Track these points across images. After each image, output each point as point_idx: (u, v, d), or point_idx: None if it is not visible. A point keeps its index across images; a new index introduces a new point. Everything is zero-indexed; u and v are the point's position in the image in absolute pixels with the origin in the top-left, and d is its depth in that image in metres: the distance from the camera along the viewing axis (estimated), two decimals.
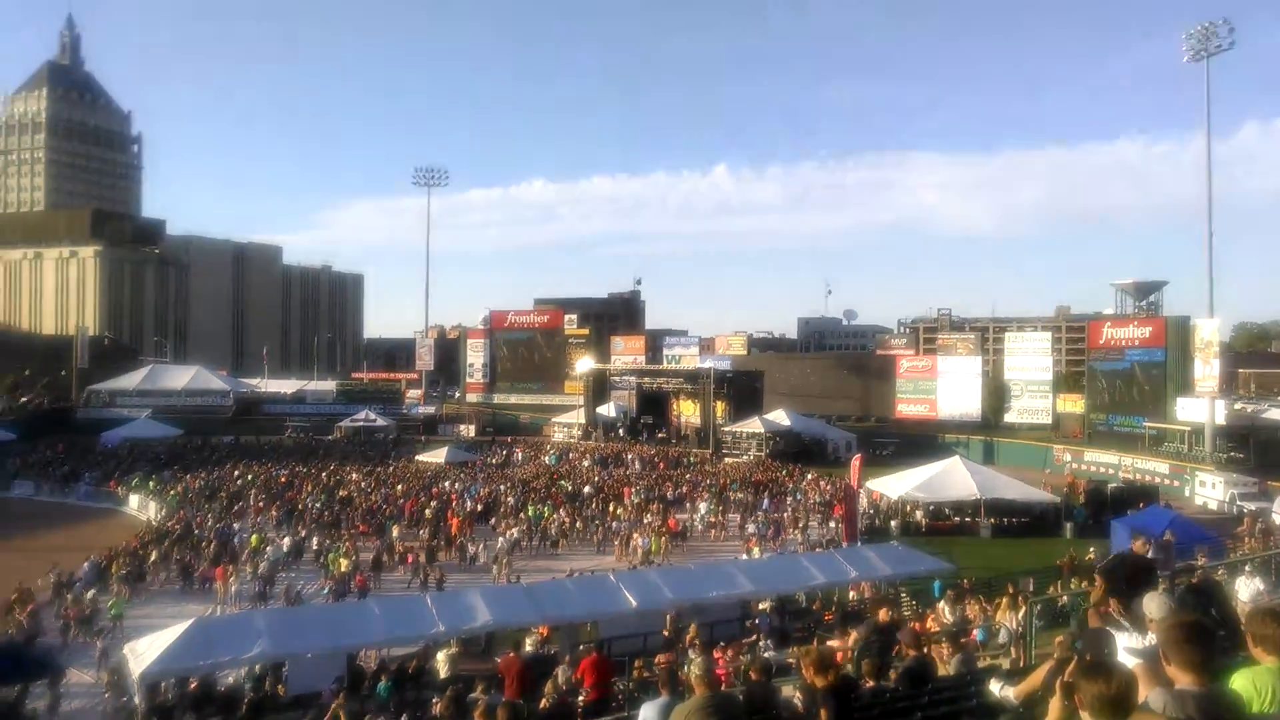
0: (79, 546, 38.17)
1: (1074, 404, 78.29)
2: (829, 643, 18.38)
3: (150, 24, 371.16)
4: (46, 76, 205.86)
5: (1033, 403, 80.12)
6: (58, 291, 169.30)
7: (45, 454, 67.97)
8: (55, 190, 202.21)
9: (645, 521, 43.65)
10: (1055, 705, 4.12)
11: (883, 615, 17.06)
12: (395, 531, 41.43)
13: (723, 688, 8.77)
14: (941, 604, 24.99)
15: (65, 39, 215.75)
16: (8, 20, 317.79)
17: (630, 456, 69.27)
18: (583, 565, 35.52)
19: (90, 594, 29.84)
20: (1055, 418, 78.50)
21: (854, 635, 13.43)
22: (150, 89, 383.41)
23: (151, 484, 54.85)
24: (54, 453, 68.64)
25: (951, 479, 45.10)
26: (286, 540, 39.48)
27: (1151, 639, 6.04)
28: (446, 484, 55.46)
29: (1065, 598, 26.40)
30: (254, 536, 39.56)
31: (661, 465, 65.52)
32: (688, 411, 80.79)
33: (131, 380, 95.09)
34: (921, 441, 70.72)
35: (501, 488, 53.78)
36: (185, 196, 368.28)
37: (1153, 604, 6.72)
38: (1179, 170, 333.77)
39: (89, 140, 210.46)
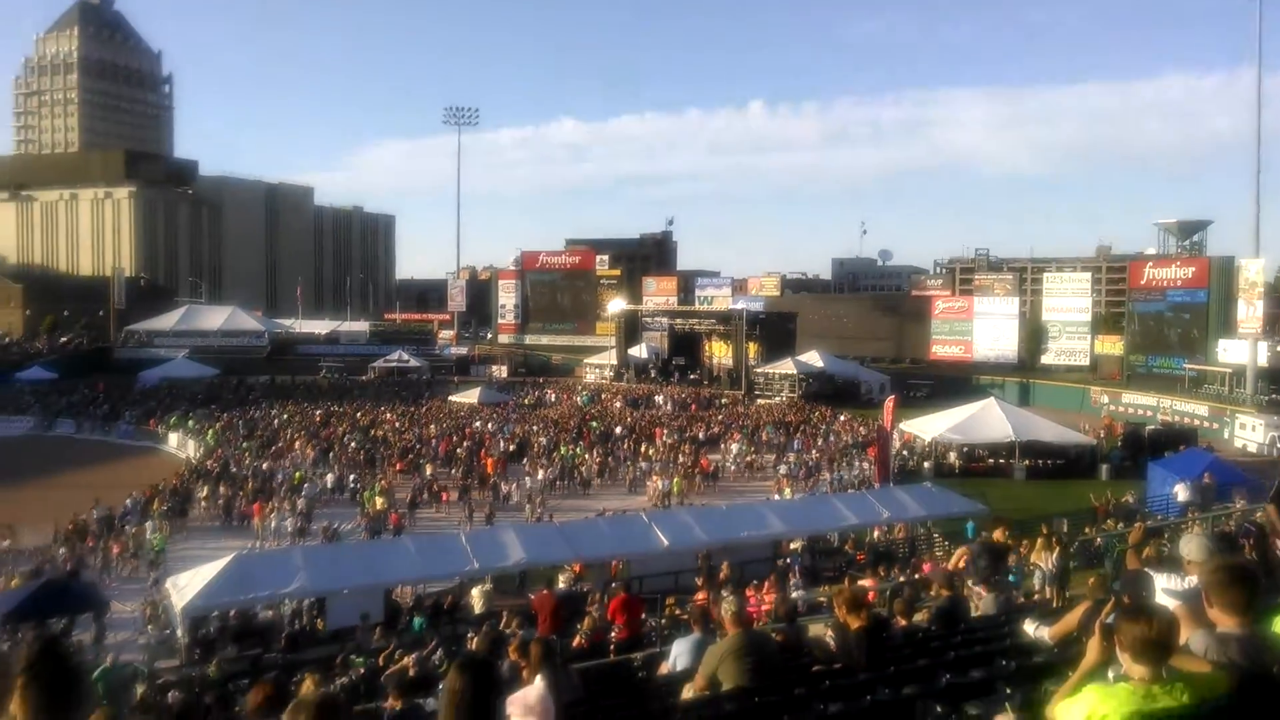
0: (120, 484, 38.86)
1: (1113, 345, 77.22)
2: (861, 582, 18.45)
3: None
4: (77, 16, 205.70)
5: (1070, 344, 79.19)
6: (93, 232, 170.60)
7: (85, 393, 69.04)
8: (89, 131, 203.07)
9: (678, 462, 43.83)
10: (1094, 646, 4.08)
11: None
12: (429, 470, 41.89)
13: (754, 626, 8.77)
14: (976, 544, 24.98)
15: None
16: None
17: (661, 398, 69.35)
18: (614, 505, 35.74)
19: (133, 529, 30.45)
20: (1093, 359, 77.57)
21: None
22: (179, 27, 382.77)
23: (190, 423, 55.64)
24: (94, 392, 69.69)
25: (986, 421, 44.81)
26: (329, 477, 40.27)
27: (1191, 581, 5.96)
28: (479, 424, 55.89)
29: (1100, 539, 26.37)
30: (296, 473, 40.32)
31: (693, 407, 65.57)
32: (720, 353, 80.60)
33: (168, 320, 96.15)
34: (956, 383, 70.18)
35: (534, 428, 54.10)
36: (215, 137, 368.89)
37: (1190, 545, 6.62)
38: (1227, 107, 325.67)
39: (120, 80, 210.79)
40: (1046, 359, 79.63)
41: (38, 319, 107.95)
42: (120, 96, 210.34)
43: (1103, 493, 34.23)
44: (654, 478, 40.02)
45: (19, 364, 79.88)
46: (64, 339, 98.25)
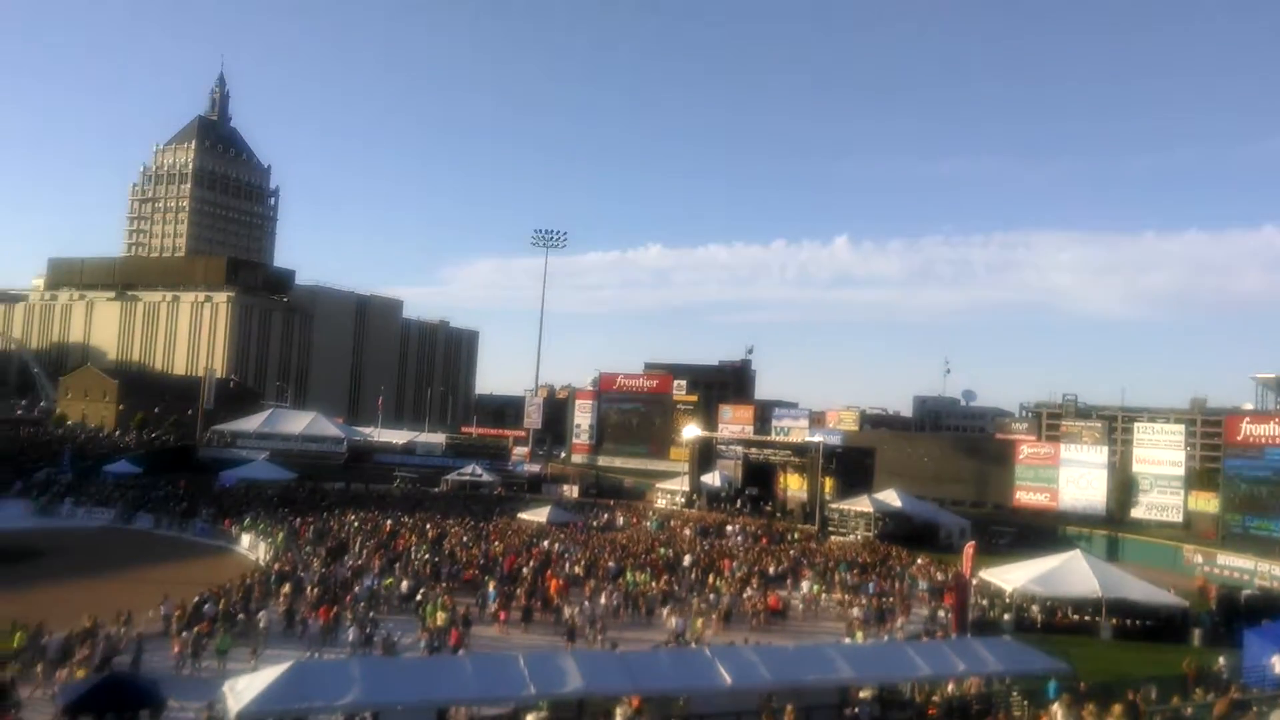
0: (191, 581, 39.20)
1: (1207, 503, 74.20)
2: None
3: (293, 81, 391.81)
4: (196, 130, 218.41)
5: (1162, 499, 76.29)
6: (191, 334, 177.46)
7: (167, 489, 70.50)
8: (196, 238, 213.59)
9: (745, 596, 42.70)
10: None
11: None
12: (491, 587, 41.41)
13: None
14: (1056, 706, 23.61)
15: (215, 95, 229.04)
16: (164, 74, 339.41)
17: (732, 528, 68.23)
18: (685, 636, 34.83)
19: (196, 629, 30.43)
20: (1186, 516, 74.57)
21: None
22: (288, 143, 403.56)
23: (261, 525, 56.19)
24: (175, 489, 71.14)
25: (1072, 574, 42.91)
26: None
27: None
28: (546, 543, 55.41)
29: (1190, 709, 24.70)
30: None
31: (764, 539, 64.29)
32: (794, 485, 79.39)
33: (252, 423, 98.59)
34: (1040, 532, 68.01)
35: (603, 551, 53.41)
36: (314, 248, 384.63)
37: None
38: None
39: (230, 192, 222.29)
40: (1137, 513, 76.73)
41: (130, 414, 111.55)
42: (228, 207, 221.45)
43: (1195, 659, 32.30)
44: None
45: (108, 457, 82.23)
46: (152, 435, 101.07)
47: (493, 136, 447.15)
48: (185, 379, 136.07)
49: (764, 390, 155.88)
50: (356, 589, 38.80)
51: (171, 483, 73.91)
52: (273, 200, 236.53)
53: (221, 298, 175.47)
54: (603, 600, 39.62)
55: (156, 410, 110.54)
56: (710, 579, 46.32)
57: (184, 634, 30.05)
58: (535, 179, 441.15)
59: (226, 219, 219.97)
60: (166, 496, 67.99)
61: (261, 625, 32.42)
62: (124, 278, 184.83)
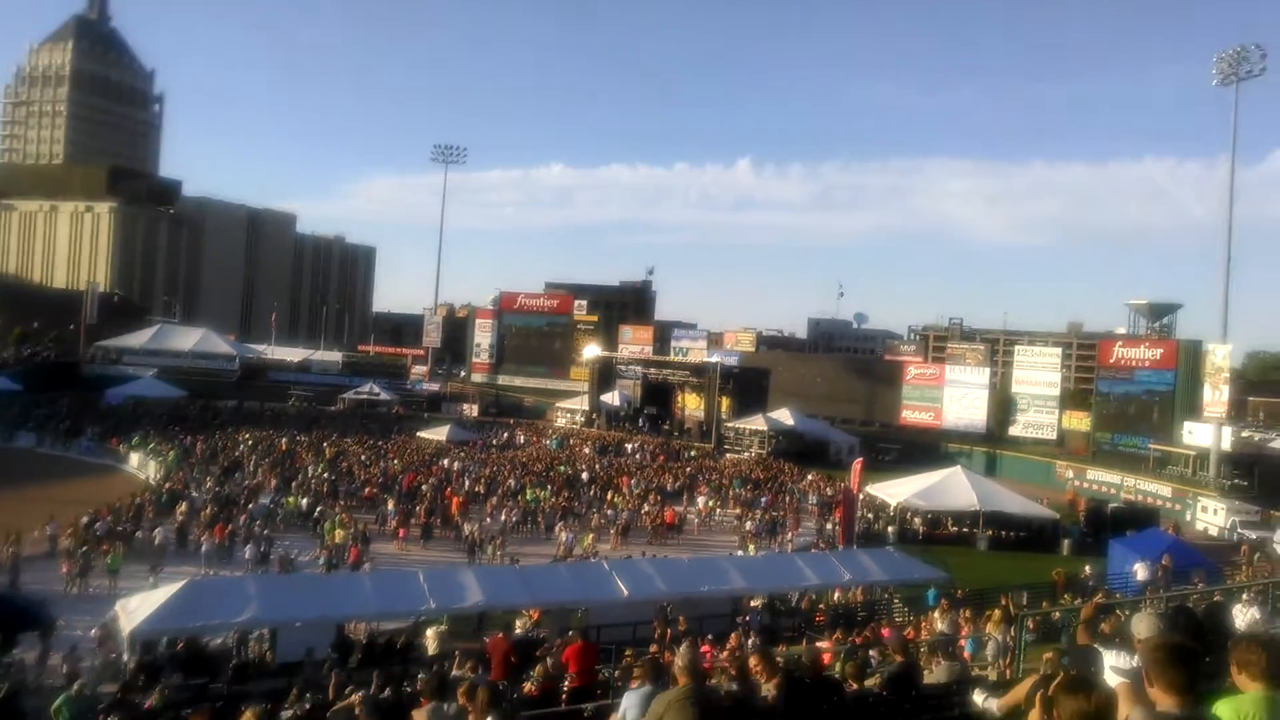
0: (77, 500, 38.29)
1: (1080, 421, 78.08)
2: (818, 643, 18.40)
3: None
4: (73, 30, 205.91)
5: (1039, 417, 79.91)
6: (71, 246, 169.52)
7: (49, 407, 68.14)
8: (74, 144, 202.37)
9: (643, 511, 43.68)
10: (1033, 718, 4.08)
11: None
12: (390, 505, 41.51)
13: (706, 679, 8.71)
14: (936, 612, 25.00)
15: None
16: None
17: (631, 446, 69.27)
18: (575, 551, 35.62)
19: (84, 548, 29.92)
20: (1060, 434, 78.31)
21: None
22: (174, 48, 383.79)
23: (152, 444, 54.96)
24: (57, 406, 68.81)
25: (952, 488, 45.01)
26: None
27: (1139, 660, 5.99)
28: (446, 462, 55.54)
29: (1058, 614, 26.41)
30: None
31: (662, 457, 65.51)
32: (692, 405, 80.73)
33: (139, 339, 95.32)
34: (924, 449, 70.62)
35: (502, 469, 53.81)
36: (202, 158, 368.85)
37: (1141, 624, 6.66)
38: (1203, 194, 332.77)
39: (111, 96, 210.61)
40: (1014, 431, 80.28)
41: (7, 329, 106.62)
42: (109, 112, 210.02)
43: (1063, 567, 34.34)
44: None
45: None
46: (31, 350, 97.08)
47: (390, 50, 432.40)
48: (65, 293, 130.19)
49: (664, 311, 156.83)
50: (251, 507, 38.51)
51: (54, 400, 71.44)
52: (157, 107, 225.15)
53: (103, 208, 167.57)
54: (502, 516, 40.12)
55: (35, 325, 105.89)
56: (609, 495, 47.21)
57: (76, 552, 29.53)
58: (434, 93, 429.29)
59: (107, 125, 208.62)
60: (49, 414, 65.77)
61: (156, 543, 32.01)
62: None
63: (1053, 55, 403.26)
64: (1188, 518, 53.52)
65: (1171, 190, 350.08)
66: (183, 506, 37.25)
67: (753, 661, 8.01)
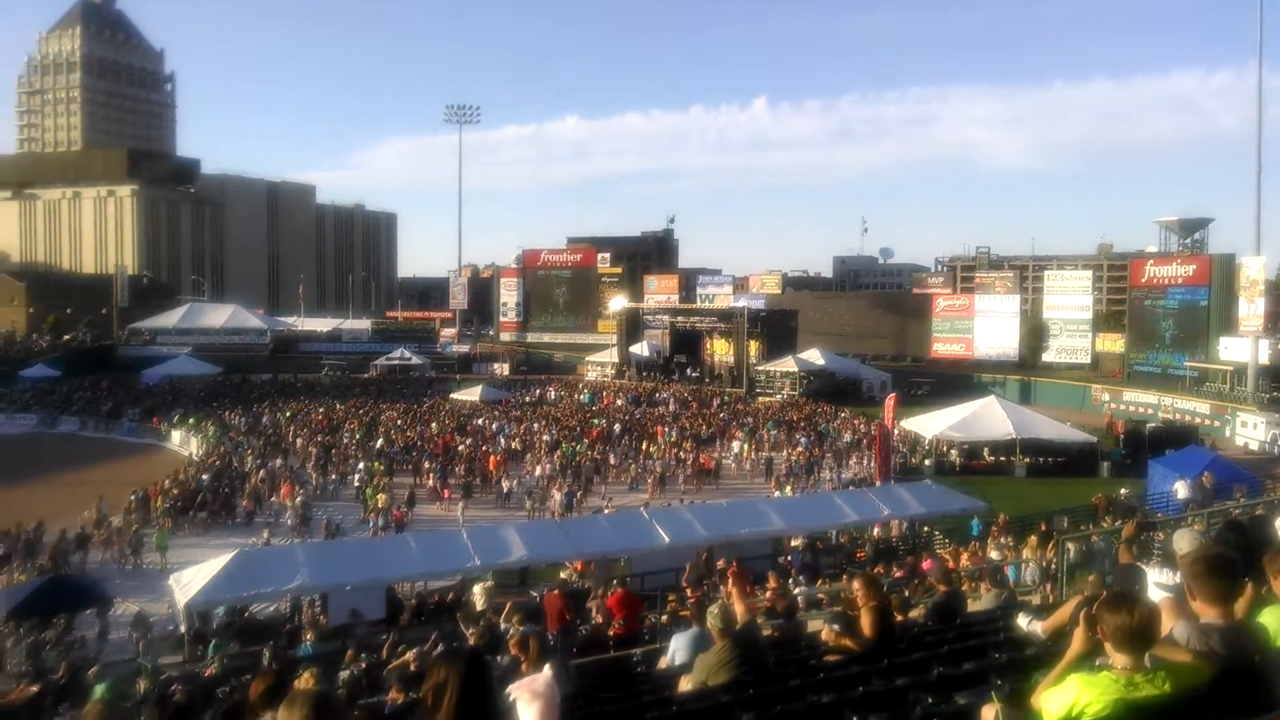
0: (123, 480, 39.01)
1: (1114, 343, 77.19)
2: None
3: None
4: (79, 15, 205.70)
5: (1071, 342, 79.23)
6: (96, 231, 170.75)
7: (89, 391, 69.20)
8: (90, 129, 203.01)
9: (680, 458, 43.92)
10: (1078, 636, 4.11)
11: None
12: (428, 467, 41.98)
13: (744, 628, 8.75)
14: (987, 540, 25.16)
15: None
16: None
17: (663, 395, 69.44)
18: (616, 502, 35.90)
19: (135, 526, 30.56)
20: (1094, 357, 77.61)
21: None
22: (181, 26, 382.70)
23: (192, 420, 55.75)
24: (97, 390, 69.84)
25: (987, 419, 44.85)
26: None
27: (1180, 575, 6.01)
28: (481, 421, 55.97)
29: (1098, 537, 26.40)
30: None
31: (694, 404, 65.64)
32: (721, 351, 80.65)
33: (170, 318, 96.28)
34: (957, 381, 70.26)
35: (536, 425, 54.18)
36: (216, 135, 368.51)
37: (1183, 539, 6.69)
38: (1232, 104, 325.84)
39: (122, 79, 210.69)
40: (1047, 357, 79.65)
41: (41, 317, 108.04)
42: (123, 95, 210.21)
43: (1103, 490, 34.25)
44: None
45: (22, 362, 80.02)
46: (67, 337, 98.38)
47: (397, 11, 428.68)
48: (95, 278, 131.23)
49: (687, 259, 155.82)
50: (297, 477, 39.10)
51: (93, 384, 72.53)
52: (169, 86, 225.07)
53: (125, 191, 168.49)
54: (538, 471, 40.53)
55: (69, 311, 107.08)
56: (644, 445, 47.47)
57: (128, 531, 30.17)
58: (443, 53, 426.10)
59: (122, 108, 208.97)
60: (89, 398, 66.82)
61: (204, 517, 32.63)
62: (19, 176, 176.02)
63: None
64: (1227, 434, 53.06)
65: (1199, 102, 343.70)
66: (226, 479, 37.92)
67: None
